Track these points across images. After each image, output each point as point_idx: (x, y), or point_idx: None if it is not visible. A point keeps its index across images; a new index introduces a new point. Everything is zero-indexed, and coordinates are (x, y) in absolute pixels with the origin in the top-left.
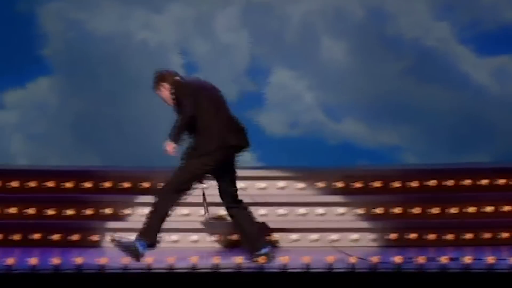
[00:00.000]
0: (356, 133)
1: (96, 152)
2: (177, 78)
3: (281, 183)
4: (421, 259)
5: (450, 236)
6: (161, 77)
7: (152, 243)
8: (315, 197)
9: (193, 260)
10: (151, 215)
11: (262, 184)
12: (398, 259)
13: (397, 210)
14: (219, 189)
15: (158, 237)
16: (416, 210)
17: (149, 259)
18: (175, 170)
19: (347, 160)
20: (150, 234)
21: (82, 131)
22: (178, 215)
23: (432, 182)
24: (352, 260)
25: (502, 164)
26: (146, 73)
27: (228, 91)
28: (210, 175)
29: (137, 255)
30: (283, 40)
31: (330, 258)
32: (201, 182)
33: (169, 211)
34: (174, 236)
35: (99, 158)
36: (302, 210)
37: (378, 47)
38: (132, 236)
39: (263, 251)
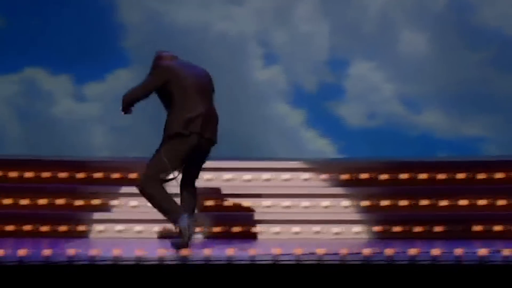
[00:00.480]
0: (436, 124)
1: None
2: (167, 62)
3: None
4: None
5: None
6: (156, 57)
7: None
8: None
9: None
10: (162, 207)
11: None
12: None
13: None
14: (183, 173)
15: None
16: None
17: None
18: (150, 160)
19: (427, 151)
20: (175, 213)
21: (162, 122)
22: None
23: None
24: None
25: None
26: (226, 64)
27: (308, 82)
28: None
29: (190, 234)
30: (362, 31)
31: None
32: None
33: (165, 191)
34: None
35: None
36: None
37: (459, 37)
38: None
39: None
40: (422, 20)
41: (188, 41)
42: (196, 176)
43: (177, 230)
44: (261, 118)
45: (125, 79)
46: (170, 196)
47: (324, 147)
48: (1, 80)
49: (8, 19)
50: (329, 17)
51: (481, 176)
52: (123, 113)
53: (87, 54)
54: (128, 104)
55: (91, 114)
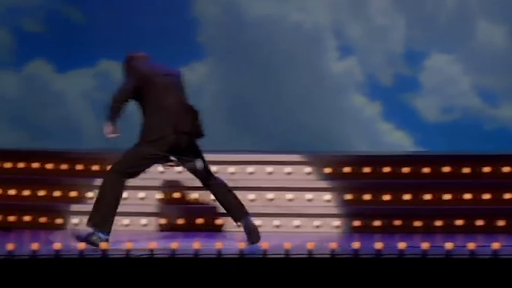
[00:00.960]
0: None
1: (251, 137)
2: (136, 62)
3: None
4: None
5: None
6: (127, 58)
7: (107, 231)
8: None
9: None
10: (100, 202)
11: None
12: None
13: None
14: (190, 171)
15: (111, 224)
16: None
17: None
18: (125, 152)
19: (505, 145)
20: (104, 222)
21: (237, 116)
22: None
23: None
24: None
25: None
26: (300, 56)
27: (383, 74)
28: (168, 162)
29: (97, 244)
30: (438, 23)
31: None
32: (148, 168)
33: (121, 193)
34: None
35: (256, 143)
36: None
37: None
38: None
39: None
40: (500, 11)
41: (262, 33)
42: (206, 171)
43: (89, 235)
44: (337, 110)
45: (199, 72)
46: (116, 203)
47: (400, 139)
48: (77, 74)
49: (85, 14)
50: (405, 10)
51: None
52: (109, 130)
53: (162, 48)
54: (112, 114)
55: None
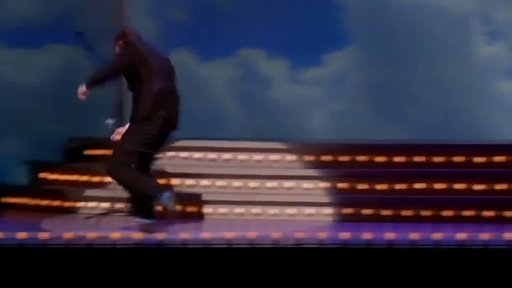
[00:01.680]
0: None
1: (394, 126)
2: (133, 38)
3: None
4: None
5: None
6: (121, 34)
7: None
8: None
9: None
10: (129, 186)
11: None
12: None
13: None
14: (142, 157)
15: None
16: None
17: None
18: (117, 144)
19: None
20: (152, 190)
21: (383, 103)
22: None
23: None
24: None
25: None
26: (447, 41)
27: None
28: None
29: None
30: None
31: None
32: (147, 151)
33: (140, 177)
34: None
35: (401, 131)
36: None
37: None
38: None
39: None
40: None
41: (408, 19)
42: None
43: (158, 207)
44: (486, 97)
45: (343, 61)
46: (143, 175)
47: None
48: (220, 64)
49: (230, 1)
50: None
51: None
52: (83, 91)
53: (305, 36)
54: (96, 81)
55: (309, 97)
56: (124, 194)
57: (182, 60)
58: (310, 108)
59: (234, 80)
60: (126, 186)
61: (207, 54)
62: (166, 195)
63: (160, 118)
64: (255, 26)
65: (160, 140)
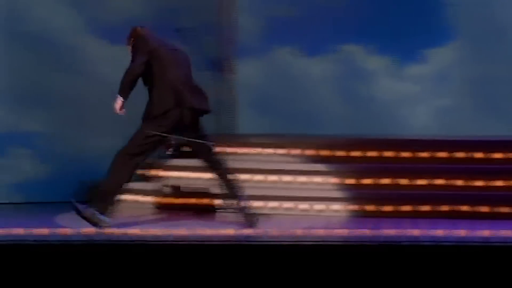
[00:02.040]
0: None
1: (495, 120)
2: (143, 33)
3: None
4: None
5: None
6: (132, 32)
7: (107, 214)
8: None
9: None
10: (108, 182)
11: None
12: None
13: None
14: (193, 150)
15: (115, 204)
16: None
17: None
18: (133, 134)
19: None
20: (107, 202)
21: (484, 98)
22: None
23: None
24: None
25: None
26: None
27: None
28: (170, 137)
29: (99, 224)
30: None
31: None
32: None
33: (127, 176)
34: None
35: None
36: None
37: None
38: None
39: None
40: None
41: None
42: (208, 150)
43: (93, 215)
44: None
45: (447, 58)
46: (119, 187)
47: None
48: (321, 61)
49: None
50: None
51: None
52: (119, 105)
53: (408, 32)
54: (127, 87)
55: (411, 93)
56: (222, 190)
57: (284, 57)
58: (412, 105)
59: (335, 77)
60: (111, 174)
61: (308, 50)
62: (105, 217)
63: (171, 111)
64: (356, 22)
65: (185, 129)
